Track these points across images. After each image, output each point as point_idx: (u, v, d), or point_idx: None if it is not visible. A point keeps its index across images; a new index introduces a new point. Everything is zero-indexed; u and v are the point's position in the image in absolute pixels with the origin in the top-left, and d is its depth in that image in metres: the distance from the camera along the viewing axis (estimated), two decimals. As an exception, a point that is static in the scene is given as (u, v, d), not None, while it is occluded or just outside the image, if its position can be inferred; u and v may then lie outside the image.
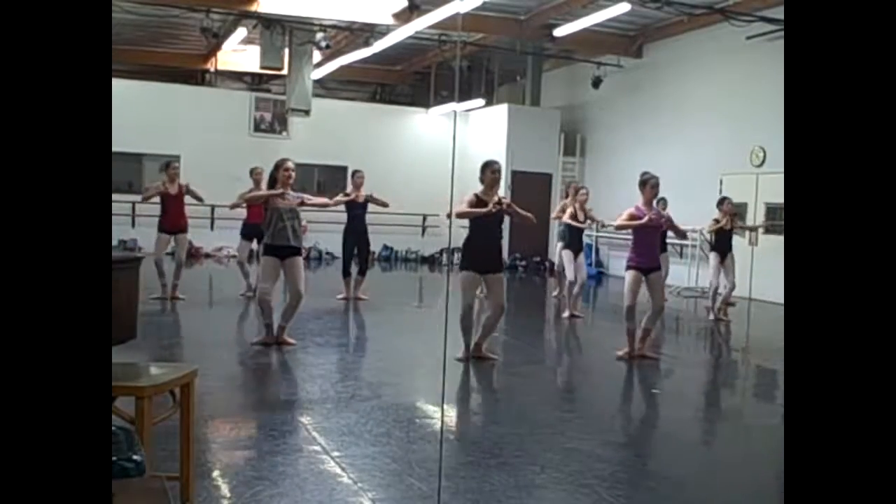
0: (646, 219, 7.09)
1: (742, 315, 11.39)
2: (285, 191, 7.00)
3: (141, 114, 15.52)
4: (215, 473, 3.86)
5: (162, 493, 2.22)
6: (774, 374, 7.41)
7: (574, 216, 10.03)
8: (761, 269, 12.49)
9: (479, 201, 6.66)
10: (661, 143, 15.06)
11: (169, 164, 10.03)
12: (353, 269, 10.47)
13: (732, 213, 10.45)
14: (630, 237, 7.53)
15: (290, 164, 7.11)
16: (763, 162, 12.96)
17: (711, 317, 10.38)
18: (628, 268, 7.27)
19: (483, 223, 6.64)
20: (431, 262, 18.09)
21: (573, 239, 10.02)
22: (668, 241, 11.75)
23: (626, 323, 7.32)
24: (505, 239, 17.26)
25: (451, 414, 5.29)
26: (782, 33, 11.47)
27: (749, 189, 13.07)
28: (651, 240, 7.32)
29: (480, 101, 18.08)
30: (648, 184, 7.24)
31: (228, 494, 3.62)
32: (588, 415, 5.72)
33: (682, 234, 8.44)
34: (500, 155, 17.02)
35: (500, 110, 17.82)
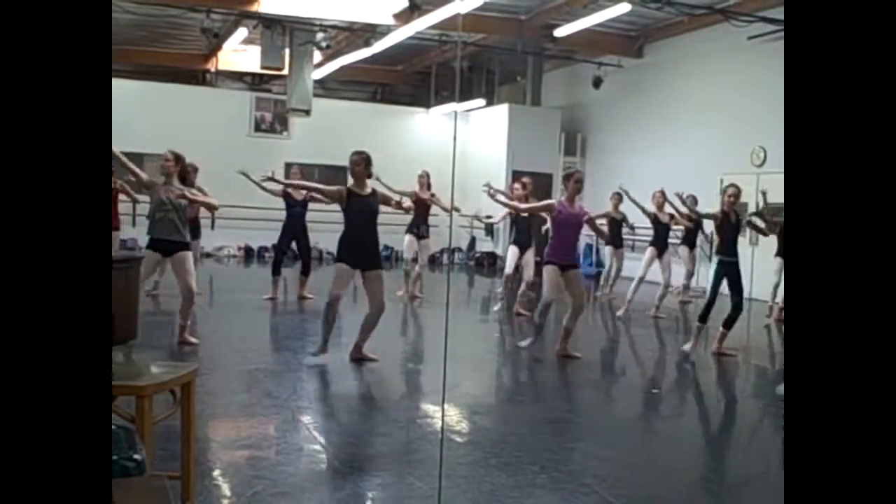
0: (522, 205, 7.10)
1: (742, 315, 11.35)
2: (168, 184, 6.73)
3: (141, 114, 15.51)
4: (216, 473, 3.87)
5: (162, 492, 2.22)
6: (771, 374, 7.41)
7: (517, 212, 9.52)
8: (761, 268, 12.48)
9: (350, 194, 6.40)
10: (662, 143, 15.05)
11: None
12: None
13: (660, 203, 10.45)
14: (634, 236, 7.43)
15: (167, 154, 6.84)
16: (763, 162, 12.95)
17: (652, 313, 10.19)
18: (546, 262, 7.09)
19: (356, 217, 6.38)
20: (432, 261, 18.08)
21: (519, 235, 9.71)
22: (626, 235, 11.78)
23: (538, 318, 7.13)
24: (506, 239, 17.41)
25: (451, 414, 5.29)
26: (782, 33, 11.47)
27: (749, 189, 13.04)
28: (569, 236, 7.12)
29: (481, 101, 18.07)
30: (572, 178, 7.09)
31: (229, 494, 3.62)
32: (587, 414, 5.72)
33: (601, 235, 8.32)
34: (500, 155, 17.06)
35: (501, 110, 17.81)
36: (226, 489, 3.68)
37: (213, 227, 16.35)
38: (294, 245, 10.44)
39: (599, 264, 16.55)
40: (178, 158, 6.87)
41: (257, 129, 17.89)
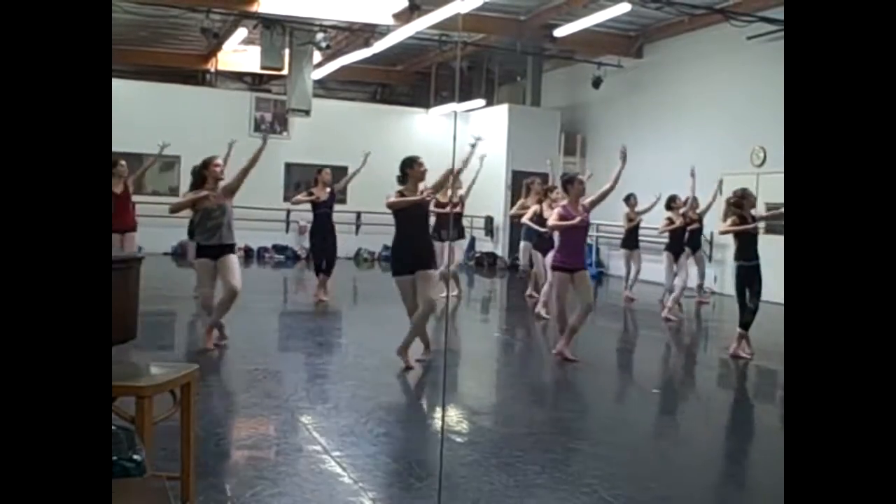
0: (577, 218, 6.89)
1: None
2: (213, 191, 6.79)
3: (141, 114, 15.52)
4: (215, 473, 3.86)
5: (162, 492, 2.22)
6: (773, 375, 7.41)
7: (540, 216, 9.52)
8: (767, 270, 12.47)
9: (404, 198, 6.48)
10: (662, 143, 15.05)
11: (115, 163, 9.87)
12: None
13: (693, 209, 10.58)
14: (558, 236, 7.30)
15: (219, 161, 6.93)
16: (763, 162, 12.96)
17: (665, 313, 10.19)
18: (554, 268, 7.10)
19: (410, 222, 6.43)
20: (431, 262, 18.07)
21: (542, 238, 9.62)
22: (640, 238, 11.82)
23: (557, 324, 7.19)
24: (505, 239, 17.43)
25: (451, 414, 5.29)
26: (782, 33, 11.47)
27: (749, 189, 13.06)
28: (576, 240, 7.09)
29: (481, 102, 18.07)
30: (576, 181, 7.10)
31: (228, 494, 3.62)
32: (588, 415, 5.72)
33: (604, 196, 8.09)
34: (500, 155, 17.05)
35: (501, 110, 17.81)
36: (226, 489, 3.68)
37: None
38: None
39: (599, 264, 16.56)
40: None
41: (257, 129, 17.89)
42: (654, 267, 12.17)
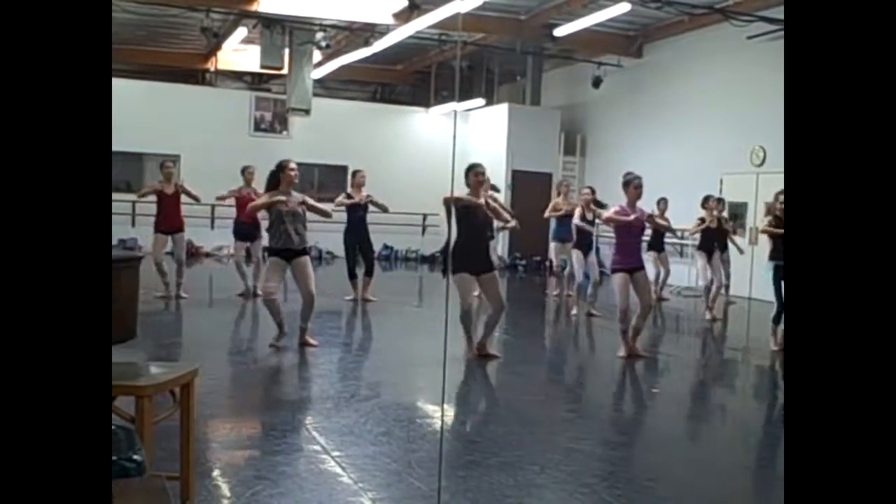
0: (633, 217, 7.12)
1: (742, 314, 11.38)
2: (287, 195, 6.93)
3: (141, 114, 15.50)
4: (215, 473, 3.86)
5: (162, 492, 2.22)
6: (771, 373, 7.41)
7: (582, 216, 10.10)
8: (761, 268, 12.48)
9: (466, 203, 6.74)
10: (662, 143, 15.05)
11: (163, 164, 10.00)
12: (359, 271, 10.44)
13: (720, 211, 10.82)
14: (614, 238, 7.62)
15: (293, 165, 7.06)
16: (763, 162, 12.96)
17: (709, 316, 10.43)
18: (614, 271, 7.30)
19: (472, 224, 6.73)
20: (431, 261, 18.09)
21: (580, 238, 10.13)
22: (666, 240, 11.89)
23: (619, 325, 7.34)
24: (505, 238, 17.42)
25: (451, 414, 5.29)
26: (782, 33, 11.47)
27: (749, 189, 13.07)
28: (634, 241, 7.33)
29: (481, 101, 18.07)
30: (632, 184, 7.25)
31: (228, 494, 3.62)
32: (588, 415, 5.72)
33: (667, 229, 8.87)
34: (500, 154, 17.06)
35: (501, 110, 17.81)
36: (225, 489, 3.68)
37: (212, 227, 16.42)
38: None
39: (599, 264, 16.52)
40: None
41: (257, 128, 17.90)
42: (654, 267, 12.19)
